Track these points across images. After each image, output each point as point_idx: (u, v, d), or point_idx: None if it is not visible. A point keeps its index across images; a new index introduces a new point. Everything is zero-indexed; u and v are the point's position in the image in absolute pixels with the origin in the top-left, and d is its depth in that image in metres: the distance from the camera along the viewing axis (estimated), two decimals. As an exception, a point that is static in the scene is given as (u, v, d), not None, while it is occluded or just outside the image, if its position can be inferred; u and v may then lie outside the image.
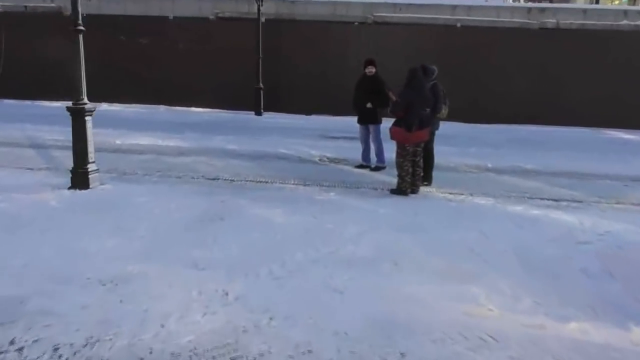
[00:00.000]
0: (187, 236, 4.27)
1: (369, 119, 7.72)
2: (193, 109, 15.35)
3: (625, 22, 15.52)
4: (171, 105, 15.35)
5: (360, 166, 7.95)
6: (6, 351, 2.58)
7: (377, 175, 7.49)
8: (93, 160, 5.85)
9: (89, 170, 5.74)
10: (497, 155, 9.35)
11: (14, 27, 15.48)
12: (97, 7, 16.08)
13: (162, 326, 2.84)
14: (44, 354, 2.57)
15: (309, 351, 2.63)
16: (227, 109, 15.08)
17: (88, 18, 15.42)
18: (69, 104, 5.70)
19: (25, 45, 15.39)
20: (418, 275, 3.57)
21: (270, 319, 2.94)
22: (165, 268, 3.57)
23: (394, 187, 6.37)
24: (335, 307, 3.09)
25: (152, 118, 13.19)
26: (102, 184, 5.96)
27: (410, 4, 16.15)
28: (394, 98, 6.08)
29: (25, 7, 16.24)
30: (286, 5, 16.39)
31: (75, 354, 2.58)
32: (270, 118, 14.27)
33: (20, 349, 2.60)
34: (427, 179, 6.78)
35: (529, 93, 14.71)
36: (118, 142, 9.31)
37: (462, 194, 6.41)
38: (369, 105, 7.55)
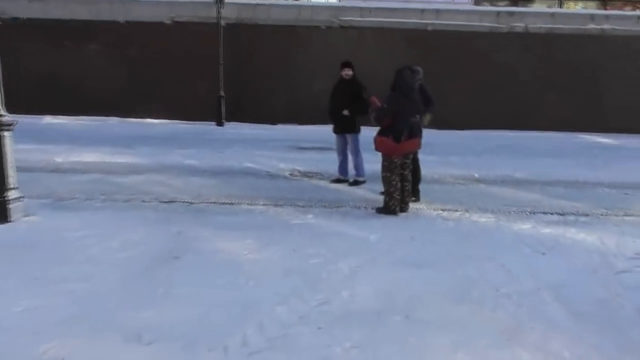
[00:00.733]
0: (131, 288, 3.26)
1: (346, 128, 6.87)
2: (148, 120, 14.13)
3: (591, 25, 15.43)
4: (124, 117, 14.08)
5: (337, 180, 7.07)
6: None
7: (357, 190, 6.64)
8: (15, 186, 4.73)
9: (9, 199, 4.61)
10: (481, 164, 8.69)
11: None
12: (41, 11, 14.74)
13: None
14: None
15: None
16: (186, 120, 13.95)
17: (29, 22, 14.12)
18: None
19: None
20: (442, 333, 2.70)
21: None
22: (98, 344, 2.56)
23: (380, 205, 5.53)
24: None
25: (101, 132, 11.92)
26: (27, 216, 4.82)
27: (377, 8, 15.55)
28: (378, 103, 5.23)
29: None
30: (248, 9, 15.46)
31: None
32: (233, 129, 13.25)
33: None
34: (415, 194, 5.97)
35: (503, 98, 14.31)
36: (58, 159, 8.11)
37: (457, 210, 5.63)
38: (345, 112, 6.71)
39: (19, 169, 7.08)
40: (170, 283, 3.34)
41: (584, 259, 3.94)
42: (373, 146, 5.37)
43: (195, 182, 6.86)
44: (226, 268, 3.60)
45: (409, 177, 5.51)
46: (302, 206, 5.70)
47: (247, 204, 5.80)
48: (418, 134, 5.36)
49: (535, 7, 18.21)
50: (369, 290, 3.24)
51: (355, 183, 6.90)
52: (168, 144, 10.05)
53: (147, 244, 4.07)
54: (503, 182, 7.30)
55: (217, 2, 13.53)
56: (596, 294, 3.25)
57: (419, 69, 5.95)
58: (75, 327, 2.74)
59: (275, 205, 5.70)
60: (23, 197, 4.87)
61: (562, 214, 5.58)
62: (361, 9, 15.70)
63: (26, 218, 4.78)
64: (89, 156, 8.47)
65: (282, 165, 8.09)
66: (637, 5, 18.35)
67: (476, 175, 7.65)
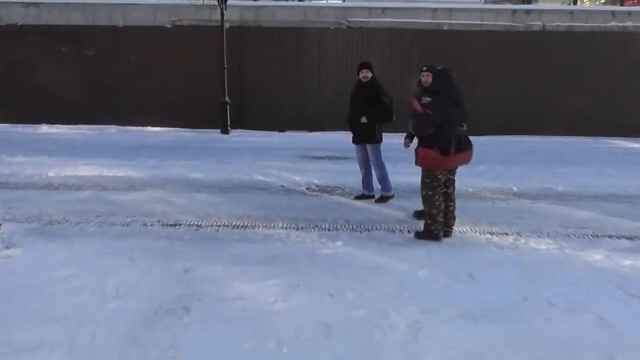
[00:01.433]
0: (126, 357, 2.48)
1: (365, 138, 6.09)
2: (149, 128, 13.33)
3: (613, 23, 14.70)
4: (124, 125, 13.28)
5: (362, 196, 6.29)
6: None
7: (385, 208, 5.86)
8: (-9, 214, 3.97)
9: (-19, 231, 3.85)
10: (514, 174, 7.90)
11: None
12: (35, 17, 14.05)
13: None
14: None
15: None
16: (189, 128, 13.16)
17: (24, 28, 13.45)
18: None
19: None
20: None
21: None
22: None
23: (420, 228, 4.76)
24: None
25: (99, 141, 11.16)
26: (7, 248, 4.06)
27: (387, 8, 14.84)
28: (419, 108, 4.41)
29: None
30: (251, 11, 14.76)
31: None
32: (239, 136, 12.46)
33: None
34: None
35: (521, 100, 13.50)
36: (51, 174, 7.33)
37: (508, 234, 4.86)
38: (363, 119, 5.94)
39: (7, 186, 6.33)
40: (177, 349, 2.56)
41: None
42: (414, 160, 4.59)
43: (202, 200, 6.09)
44: (250, 325, 2.82)
45: (454, 196, 4.74)
46: (328, 230, 4.94)
47: (264, 226, 5.04)
48: (468, 146, 4.58)
49: (552, 5, 17.52)
50: (437, 357, 2.46)
51: (382, 199, 6.13)
52: (170, 154, 9.28)
53: (148, 288, 3.29)
54: (547, 196, 6.50)
55: (220, 3, 12.80)
56: None
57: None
58: None
59: (297, 229, 4.93)
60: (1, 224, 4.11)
61: (631, 238, 4.79)
62: (369, 9, 15.00)
63: (5, 252, 4.01)
64: (85, 169, 7.70)
65: (296, 178, 7.31)
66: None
67: (514, 188, 6.85)
